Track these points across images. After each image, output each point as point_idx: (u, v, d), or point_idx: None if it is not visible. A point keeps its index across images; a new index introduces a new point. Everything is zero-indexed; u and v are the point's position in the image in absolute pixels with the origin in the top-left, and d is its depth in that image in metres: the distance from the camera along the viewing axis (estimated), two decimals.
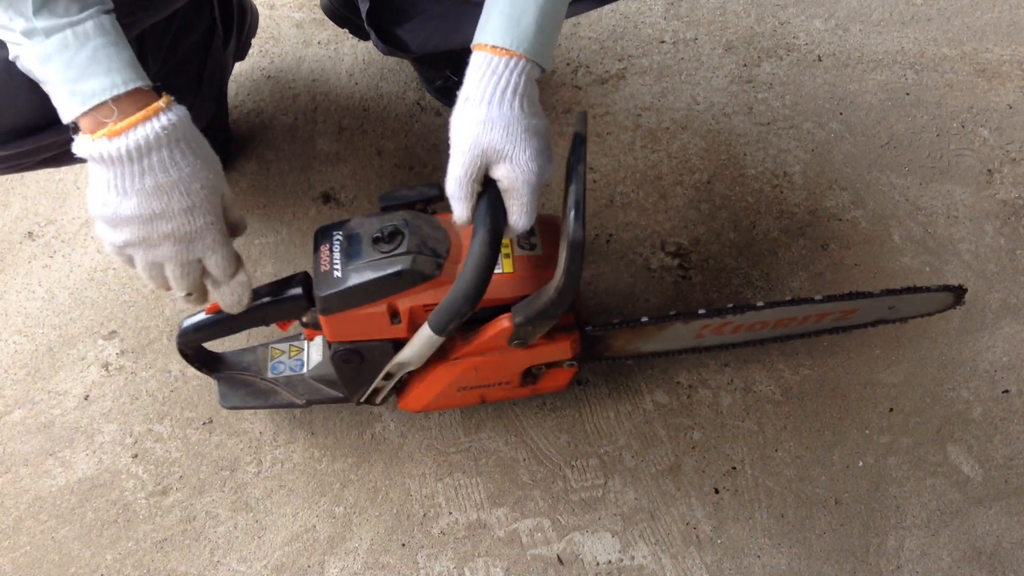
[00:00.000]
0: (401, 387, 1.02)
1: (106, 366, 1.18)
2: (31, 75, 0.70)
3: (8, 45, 0.70)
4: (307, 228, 1.28)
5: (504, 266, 0.89)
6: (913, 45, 1.48)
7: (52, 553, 1.07)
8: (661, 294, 1.23)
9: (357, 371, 0.95)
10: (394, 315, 0.87)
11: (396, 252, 0.84)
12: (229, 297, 0.82)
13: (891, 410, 1.15)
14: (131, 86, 0.68)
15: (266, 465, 1.11)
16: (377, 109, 1.39)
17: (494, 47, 0.74)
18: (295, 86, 1.41)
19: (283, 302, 0.89)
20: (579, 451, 1.12)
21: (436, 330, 0.83)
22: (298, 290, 0.88)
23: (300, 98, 1.40)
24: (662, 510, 1.08)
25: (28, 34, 0.67)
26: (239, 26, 1.18)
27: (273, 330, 1.16)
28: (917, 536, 1.07)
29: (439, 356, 0.93)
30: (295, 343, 1.09)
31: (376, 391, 0.99)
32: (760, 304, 0.97)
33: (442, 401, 1.02)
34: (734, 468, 1.11)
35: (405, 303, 0.86)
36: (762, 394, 1.16)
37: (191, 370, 1.16)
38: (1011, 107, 1.41)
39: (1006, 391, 1.17)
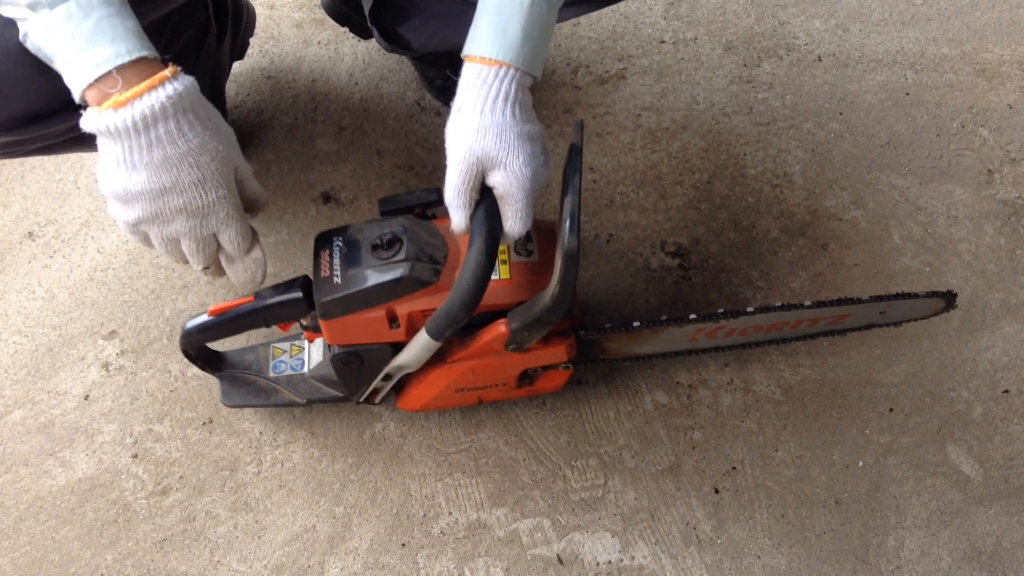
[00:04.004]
0: (400, 387, 1.03)
1: (106, 366, 1.18)
2: (40, 54, 0.69)
3: (17, 23, 0.69)
4: (307, 228, 1.28)
5: (501, 272, 0.91)
6: (913, 45, 1.48)
7: (52, 553, 1.06)
8: (661, 294, 1.23)
9: (356, 373, 0.97)
10: (392, 320, 0.89)
11: (395, 259, 0.86)
12: (243, 274, 0.81)
13: (891, 410, 1.15)
14: (136, 55, 0.67)
15: (266, 465, 1.11)
16: (377, 109, 1.39)
17: (483, 58, 0.75)
18: (295, 86, 1.41)
19: (284, 305, 0.91)
20: (579, 451, 1.12)
21: (433, 335, 0.85)
22: (298, 294, 0.90)
23: (300, 98, 1.39)
24: (662, 510, 1.08)
25: (33, 7, 0.66)
26: (234, 25, 1.17)
27: (274, 330, 1.16)
28: (917, 536, 1.07)
29: (437, 359, 0.95)
30: (296, 343, 1.10)
31: (375, 391, 1.01)
32: (751, 309, 0.99)
33: (440, 402, 1.04)
34: (734, 468, 1.11)
35: (403, 308, 0.88)
36: (762, 394, 1.16)
37: (191, 370, 1.16)
38: (1011, 107, 1.41)
39: (1006, 391, 1.17)
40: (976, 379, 1.17)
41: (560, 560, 1.05)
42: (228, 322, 0.94)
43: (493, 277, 0.87)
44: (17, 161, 1.36)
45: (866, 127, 1.39)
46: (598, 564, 1.05)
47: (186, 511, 1.09)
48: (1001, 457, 1.12)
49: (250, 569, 1.05)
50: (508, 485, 1.10)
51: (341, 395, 1.05)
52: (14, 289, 1.24)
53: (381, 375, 0.97)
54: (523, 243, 0.93)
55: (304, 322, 0.95)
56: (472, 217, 0.78)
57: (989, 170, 1.34)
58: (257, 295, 0.91)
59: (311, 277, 0.90)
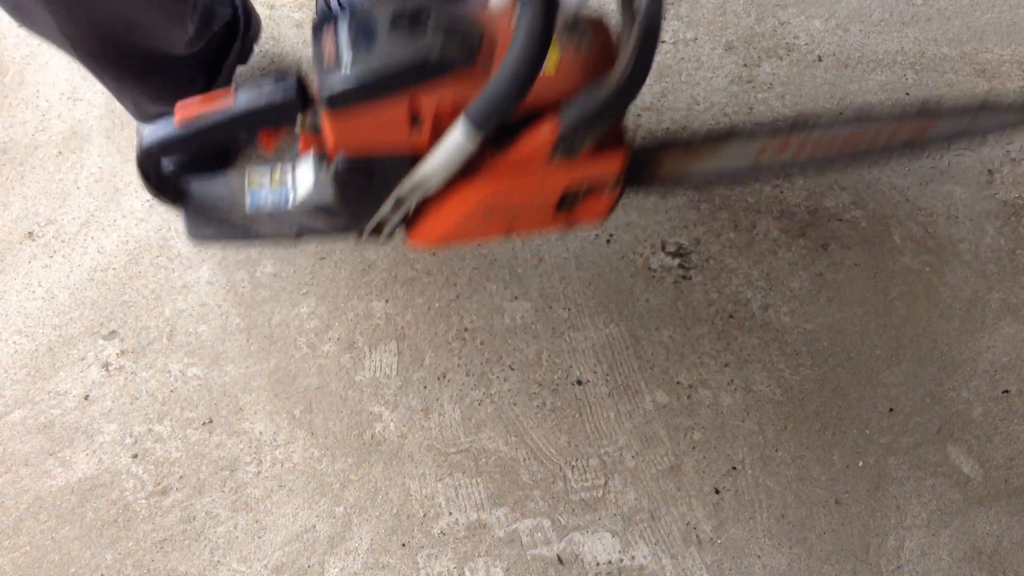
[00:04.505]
0: (412, 219, 0.86)
1: (106, 366, 1.18)
2: None
3: None
4: None
5: (549, 63, 0.72)
6: (913, 45, 1.47)
7: (52, 553, 1.06)
8: (661, 294, 1.23)
9: (362, 194, 0.79)
10: (415, 117, 0.72)
11: (421, 33, 0.70)
12: None
13: (891, 410, 1.15)
14: None
15: (266, 465, 1.11)
16: None
17: None
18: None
19: (273, 103, 0.73)
20: (579, 451, 1.12)
21: (477, 122, 0.68)
22: (291, 85, 0.73)
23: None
24: (662, 510, 1.08)
25: None
26: (244, 29, 1.18)
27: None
28: (917, 536, 1.07)
29: (466, 173, 0.78)
30: (278, 167, 0.89)
31: (381, 224, 0.85)
32: (827, 119, 0.86)
33: (462, 231, 0.85)
34: (734, 468, 1.11)
35: (430, 100, 0.71)
36: (762, 394, 1.16)
37: (191, 370, 1.16)
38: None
39: (1006, 391, 1.17)
40: (976, 379, 1.17)
41: (560, 560, 1.05)
42: (200, 132, 0.75)
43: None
44: (17, 161, 1.36)
45: None
46: (598, 564, 1.05)
47: (186, 511, 1.09)
48: (1001, 457, 1.12)
49: (250, 569, 1.05)
50: (508, 485, 1.10)
51: (338, 228, 0.87)
52: (14, 289, 1.24)
53: (391, 199, 0.80)
54: (573, 31, 0.75)
55: (300, 123, 0.77)
56: None
57: (989, 170, 1.34)
58: (237, 91, 0.74)
59: (307, 74, 0.76)
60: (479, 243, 0.94)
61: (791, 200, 1.31)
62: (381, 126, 0.72)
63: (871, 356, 1.19)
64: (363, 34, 0.70)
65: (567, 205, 0.85)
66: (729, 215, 1.30)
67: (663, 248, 1.27)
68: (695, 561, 1.05)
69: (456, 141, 0.70)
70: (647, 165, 0.86)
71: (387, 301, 1.23)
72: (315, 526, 1.07)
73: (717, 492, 1.09)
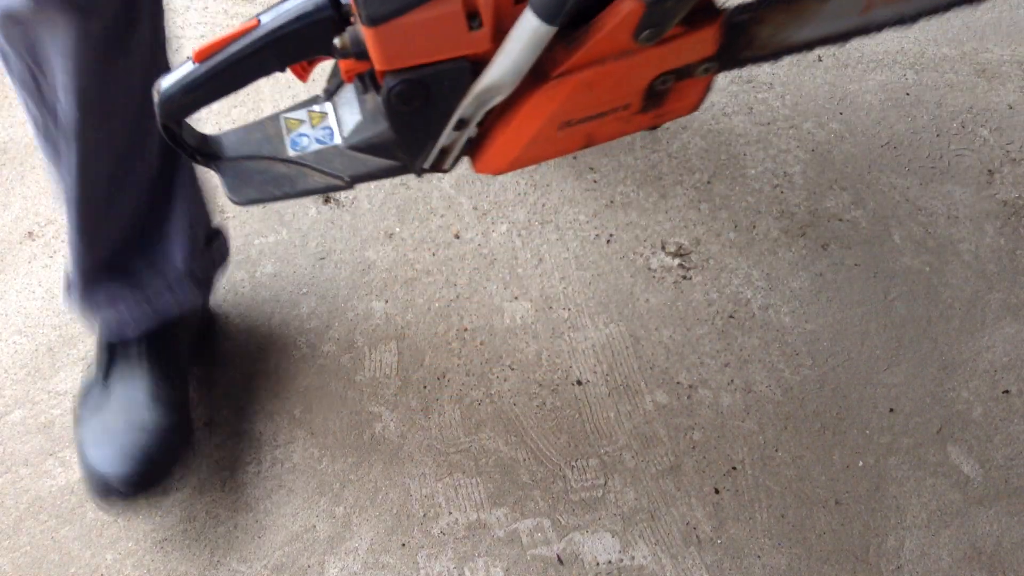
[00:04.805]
0: (477, 143, 0.75)
1: None
2: None
3: None
4: (307, 228, 1.28)
5: None
6: (913, 45, 1.48)
7: (52, 553, 1.06)
8: (661, 294, 1.23)
9: (420, 117, 0.68)
10: (472, 15, 0.61)
11: None
12: None
13: (891, 410, 1.15)
14: None
15: (266, 465, 1.11)
16: None
17: None
18: (295, 86, 1.41)
19: (303, 24, 0.62)
20: (579, 451, 1.12)
21: (545, 14, 0.57)
22: (323, 0, 0.62)
23: (299, 98, 1.39)
24: (662, 510, 1.08)
25: None
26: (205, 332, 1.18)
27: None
28: (917, 536, 1.07)
29: (535, 79, 0.67)
30: (315, 108, 0.80)
31: (445, 151, 0.73)
32: None
33: (536, 149, 0.74)
34: (734, 468, 1.11)
35: None
36: (762, 394, 1.16)
37: (191, 370, 1.16)
38: (1011, 107, 1.41)
39: (1006, 391, 1.17)
40: (976, 379, 1.17)
41: (560, 560, 1.05)
42: (225, 70, 0.65)
43: None
44: (17, 161, 1.36)
45: (866, 127, 1.39)
46: (598, 564, 1.05)
47: (186, 511, 1.09)
48: (1001, 457, 1.12)
49: (250, 569, 1.05)
50: (508, 485, 1.10)
51: (396, 165, 0.75)
52: (14, 289, 1.24)
53: (455, 118, 0.68)
54: None
55: (339, 43, 0.65)
56: None
57: (989, 170, 1.34)
58: (260, 19, 0.63)
59: None
60: (554, 158, 0.83)
61: (791, 200, 1.31)
62: (433, 31, 0.60)
63: (871, 356, 1.19)
64: None
65: (654, 99, 0.74)
66: (729, 215, 1.30)
67: (663, 248, 1.27)
68: (695, 561, 1.05)
69: (525, 34, 0.59)
70: (742, 37, 0.74)
71: (387, 301, 1.23)
72: (315, 526, 1.07)
73: (717, 492, 1.09)
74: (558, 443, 1.12)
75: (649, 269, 1.25)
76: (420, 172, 0.74)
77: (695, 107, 0.78)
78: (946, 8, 0.83)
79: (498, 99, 0.66)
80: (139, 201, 0.96)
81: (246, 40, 0.63)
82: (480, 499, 1.09)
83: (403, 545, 1.06)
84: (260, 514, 1.08)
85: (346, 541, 1.07)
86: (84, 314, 1.03)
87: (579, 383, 1.16)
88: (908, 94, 1.42)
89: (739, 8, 0.72)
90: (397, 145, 0.70)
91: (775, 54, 0.80)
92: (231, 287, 1.23)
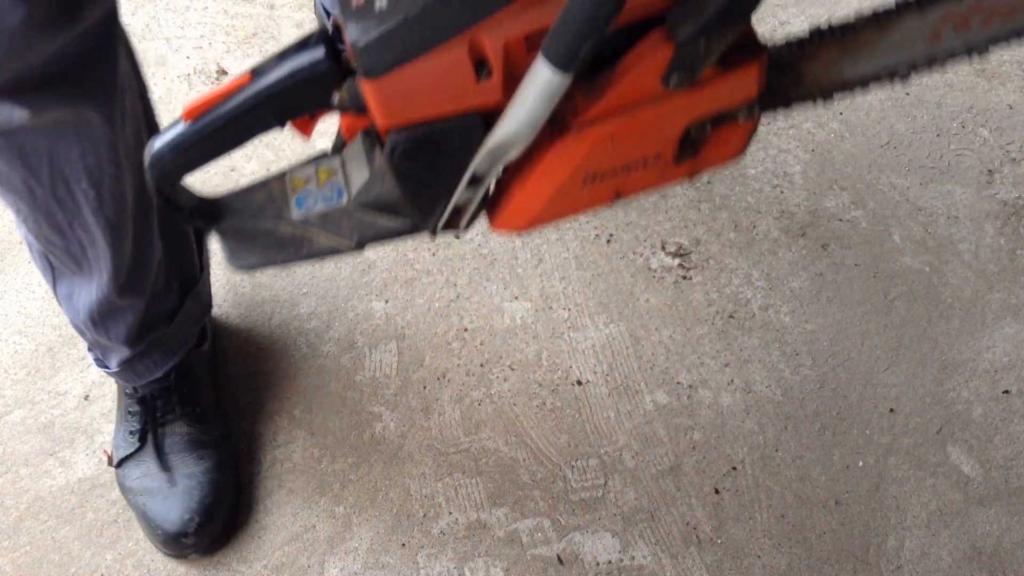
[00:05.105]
0: (494, 199, 0.68)
1: None
2: None
3: None
4: None
5: None
6: None
7: (52, 553, 1.06)
8: (661, 294, 1.23)
9: (429, 175, 0.61)
10: (480, 64, 0.55)
11: None
12: None
13: (891, 410, 1.15)
14: None
15: (266, 465, 1.11)
16: None
17: None
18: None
19: (299, 79, 0.57)
20: (579, 451, 1.12)
21: (560, 62, 0.50)
22: (319, 51, 0.57)
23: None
24: (662, 510, 1.08)
25: None
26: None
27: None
28: (917, 536, 1.07)
29: (553, 129, 0.59)
30: (324, 164, 0.73)
31: (459, 209, 0.66)
32: None
33: (559, 205, 0.66)
34: (734, 468, 1.11)
35: (496, 36, 0.54)
36: (762, 394, 1.16)
37: None
38: (1011, 107, 1.41)
39: (1006, 391, 1.17)
40: (976, 379, 1.17)
41: (560, 560, 1.05)
42: (220, 128, 0.59)
43: None
44: None
45: (866, 127, 1.39)
46: (598, 564, 1.05)
47: None
48: (1001, 457, 1.12)
49: (250, 569, 1.05)
50: (508, 485, 1.10)
51: (407, 226, 0.68)
52: (14, 289, 1.24)
53: (468, 174, 0.61)
54: None
55: (337, 100, 0.60)
56: None
57: (989, 170, 1.34)
58: (255, 71, 0.58)
59: (334, 23, 0.57)
60: (581, 213, 0.75)
61: (791, 200, 1.31)
62: (438, 82, 0.55)
63: (871, 356, 1.19)
64: None
65: (690, 147, 0.66)
66: (729, 215, 1.30)
67: (663, 248, 1.27)
68: (695, 561, 1.05)
69: (538, 85, 0.53)
70: (787, 75, 0.66)
71: (387, 301, 1.23)
72: (315, 526, 1.07)
73: (717, 492, 1.09)
74: (558, 443, 1.12)
75: (649, 269, 1.25)
76: (434, 232, 0.67)
77: (739, 154, 0.69)
78: (1020, 35, 0.73)
79: (514, 154, 0.60)
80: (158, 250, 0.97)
81: (239, 97, 0.58)
82: (480, 499, 1.09)
83: (403, 545, 1.06)
84: (260, 514, 1.08)
85: (346, 541, 1.07)
86: (122, 375, 1.04)
87: (579, 383, 1.16)
88: (908, 94, 1.42)
89: (786, 43, 0.65)
90: (407, 204, 0.64)
91: (828, 92, 0.70)
92: (231, 287, 1.24)
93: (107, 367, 1.04)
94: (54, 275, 0.92)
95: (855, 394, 1.16)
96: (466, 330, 1.20)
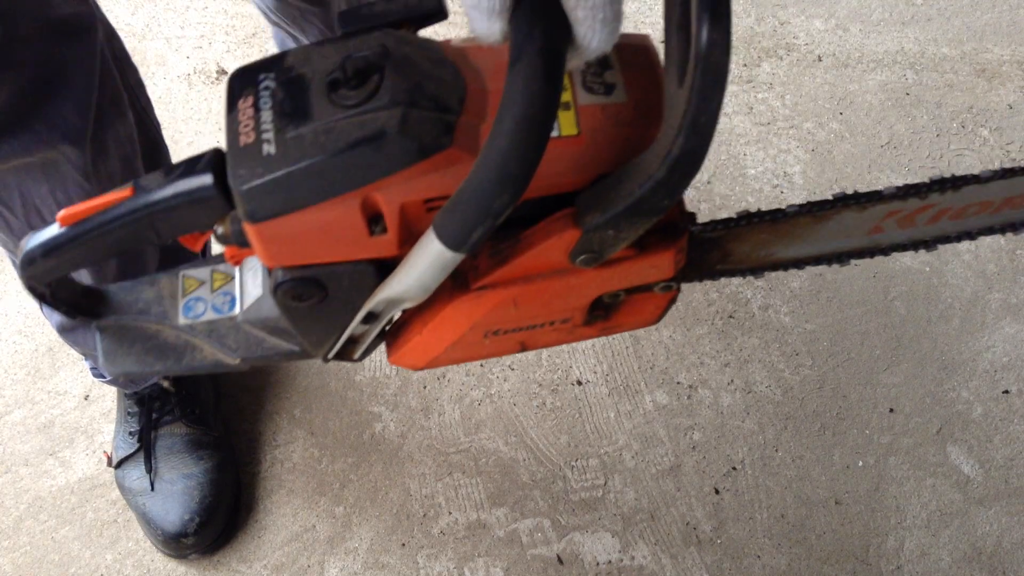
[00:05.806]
0: (394, 331, 0.65)
1: None
2: None
3: None
4: None
5: (563, 125, 0.51)
6: (913, 45, 1.48)
7: (52, 553, 1.06)
8: None
9: (318, 313, 0.58)
10: (374, 219, 0.51)
11: (371, 104, 0.48)
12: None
13: (891, 410, 1.15)
14: None
15: (266, 465, 1.11)
16: None
17: None
18: None
19: (180, 203, 0.53)
20: (579, 451, 1.12)
21: (450, 243, 0.47)
22: (207, 178, 0.52)
23: None
24: (662, 510, 1.08)
25: None
26: None
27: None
28: (917, 536, 1.07)
29: (454, 284, 0.57)
30: (219, 268, 0.68)
31: (353, 341, 0.62)
32: (985, 174, 0.63)
33: (460, 353, 0.64)
34: (734, 468, 1.11)
35: (392, 196, 0.50)
36: (762, 394, 1.16)
37: None
38: (1011, 107, 1.40)
39: (1006, 391, 1.17)
40: (976, 379, 1.17)
41: (560, 560, 1.05)
42: (92, 239, 0.55)
43: (552, 133, 0.45)
44: None
45: (866, 127, 1.38)
46: (598, 564, 1.05)
47: None
48: (1001, 457, 1.12)
49: (250, 569, 1.05)
50: (508, 485, 1.10)
51: (296, 349, 0.65)
52: (14, 289, 1.24)
53: (360, 314, 0.58)
54: (598, 70, 0.53)
55: (220, 229, 0.54)
56: (511, 20, 0.43)
57: None
58: (137, 186, 0.54)
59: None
60: (485, 359, 0.75)
61: (791, 200, 1.31)
62: (328, 234, 0.51)
63: (871, 356, 1.19)
64: (291, 99, 0.49)
65: (600, 315, 0.63)
66: (729, 215, 1.29)
67: None
68: (695, 561, 1.05)
69: (432, 256, 0.49)
70: (713, 252, 0.64)
71: None
72: (315, 526, 1.07)
73: (717, 492, 1.09)
74: (558, 443, 1.12)
75: None
76: (326, 360, 0.64)
77: (655, 321, 0.66)
78: (973, 237, 0.73)
79: (409, 305, 0.57)
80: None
81: (117, 211, 0.54)
82: (480, 499, 1.09)
83: (403, 545, 1.06)
84: (260, 514, 1.08)
85: (346, 541, 1.07)
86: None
87: (579, 383, 1.16)
88: (908, 94, 1.42)
89: (712, 224, 0.63)
90: (296, 333, 0.60)
91: (757, 270, 0.69)
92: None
93: (102, 376, 1.04)
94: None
95: (855, 394, 1.16)
96: None
